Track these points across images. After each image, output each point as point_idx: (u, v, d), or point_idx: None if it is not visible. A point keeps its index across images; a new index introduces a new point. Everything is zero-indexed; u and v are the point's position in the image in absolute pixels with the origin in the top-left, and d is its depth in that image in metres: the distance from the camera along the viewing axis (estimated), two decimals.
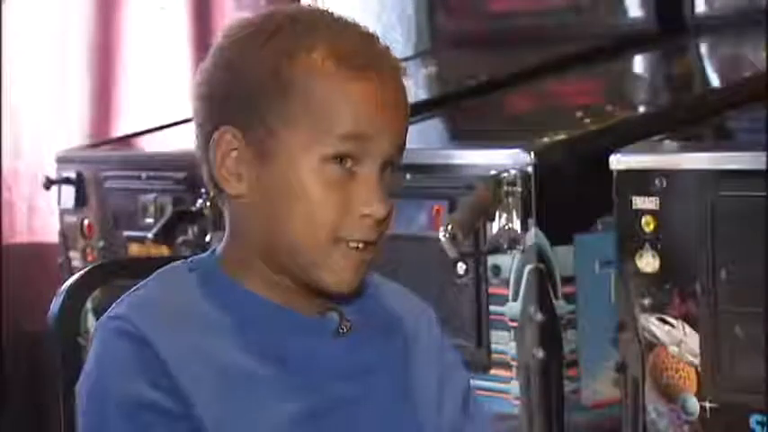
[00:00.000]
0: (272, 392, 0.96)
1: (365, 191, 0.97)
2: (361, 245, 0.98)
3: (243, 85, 0.97)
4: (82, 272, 1.13)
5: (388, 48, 0.99)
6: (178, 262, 1.03)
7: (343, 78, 0.96)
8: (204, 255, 1.04)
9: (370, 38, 1.00)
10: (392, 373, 1.03)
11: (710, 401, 1.58)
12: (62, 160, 2.44)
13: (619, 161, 1.68)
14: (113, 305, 1.00)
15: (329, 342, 1.00)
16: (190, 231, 2.16)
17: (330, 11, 1.01)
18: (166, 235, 2.17)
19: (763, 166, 1.54)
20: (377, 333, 1.03)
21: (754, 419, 1.54)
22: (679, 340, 1.62)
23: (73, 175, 2.38)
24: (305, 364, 0.98)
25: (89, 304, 2.37)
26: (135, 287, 1.01)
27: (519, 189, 1.75)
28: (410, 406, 1.03)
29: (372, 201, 0.97)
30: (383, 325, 1.04)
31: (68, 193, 2.38)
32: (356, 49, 0.97)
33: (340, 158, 0.97)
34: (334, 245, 0.97)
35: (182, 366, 0.95)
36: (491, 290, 1.78)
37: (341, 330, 1.01)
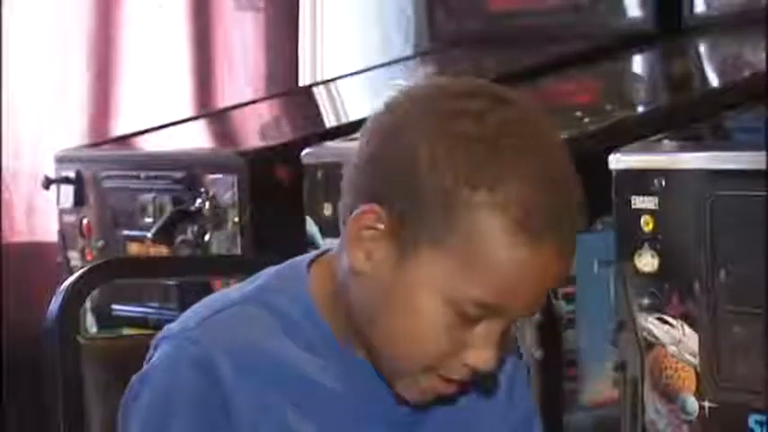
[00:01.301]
0: None
1: (481, 348, 0.88)
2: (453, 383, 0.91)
3: (412, 181, 0.87)
4: (81, 271, 1.13)
5: (577, 197, 0.89)
6: (272, 279, 0.93)
7: (525, 239, 0.85)
8: (299, 274, 0.94)
9: (565, 184, 0.88)
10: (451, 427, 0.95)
11: (709, 401, 1.58)
12: (61, 160, 2.44)
13: (618, 161, 1.68)
14: (193, 313, 0.93)
15: (395, 410, 0.93)
16: (189, 231, 2.16)
17: (538, 118, 0.89)
18: (165, 234, 2.16)
19: (761, 166, 1.54)
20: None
21: (753, 419, 1.54)
22: (678, 340, 1.62)
23: (72, 174, 2.38)
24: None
25: (88, 304, 2.37)
26: (223, 298, 0.93)
27: None
28: None
29: (484, 360, 0.89)
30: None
31: (67, 192, 2.38)
32: (546, 203, 0.86)
33: (473, 311, 0.88)
34: (427, 371, 0.90)
35: (244, 419, 0.89)
36: None
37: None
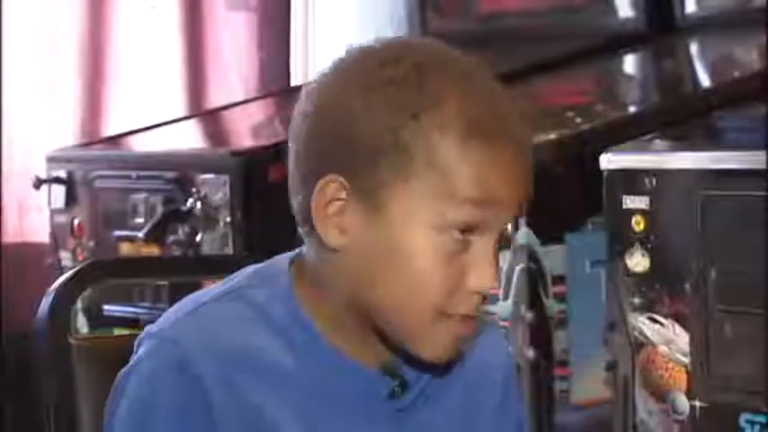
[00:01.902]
0: None
1: (481, 266, 0.89)
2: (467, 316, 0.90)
3: (357, 136, 0.89)
4: (71, 272, 1.12)
5: (516, 107, 0.92)
6: (251, 276, 0.94)
7: (472, 142, 0.88)
8: (279, 271, 0.94)
9: (501, 96, 0.91)
10: None
11: (700, 400, 1.59)
12: (52, 160, 2.43)
13: (609, 161, 1.68)
14: (171, 313, 0.93)
15: (377, 407, 0.93)
16: (180, 231, 2.16)
17: (457, 54, 0.92)
18: (157, 235, 2.16)
19: (752, 166, 1.55)
20: (435, 393, 0.96)
21: (743, 418, 1.54)
22: (669, 339, 1.62)
23: (63, 174, 2.38)
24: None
25: (79, 304, 2.37)
26: (200, 297, 0.93)
27: None
28: None
29: (487, 278, 0.89)
30: (440, 383, 0.96)
31: (59, 192, 2.38)
32: (487, 109, 0.89)
33: (460, 229, 0.89)
34: (438, 319, 0.90)
35: (225, 414, 0.89)
36: None
37: (395, 390, 0.94)
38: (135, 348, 0.94)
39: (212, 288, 0.95)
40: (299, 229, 0.95)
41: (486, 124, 0.89)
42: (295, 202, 0.94)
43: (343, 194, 0.90)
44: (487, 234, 0.90)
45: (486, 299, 0.92)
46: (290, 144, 0.94)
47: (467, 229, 0.90)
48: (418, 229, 0.89)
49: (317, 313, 0.93)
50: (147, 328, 0.94)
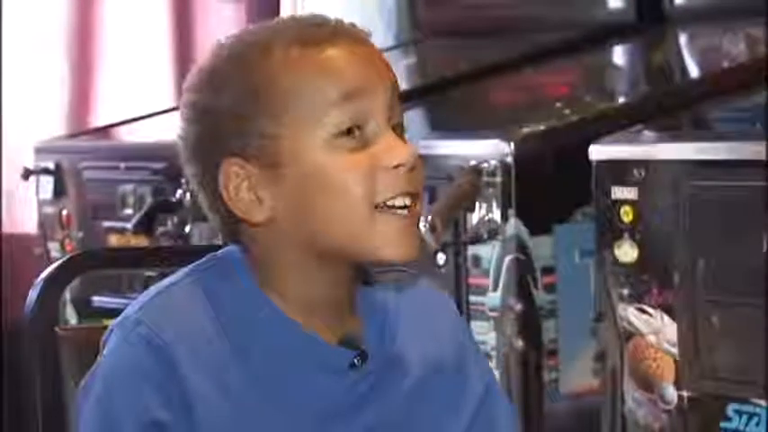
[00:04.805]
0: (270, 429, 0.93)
1: (384, 144, 0.93)
2: (407, 200, 0.94)
3: (223, 111, 0.94)
4: (58, 262, 1.12)
5: (341, 20, 0.97)
6: (209, 262, 0.97)
7: (316, 52, 0.94)
8: (232, 256, 0.97)
9: (321, 16, 0.97)
10: (398, 411, 0.97)
11: (688, 390, 1.59)
12: (40, 150, 2.43)
13: (598, 152, 1.69)
14: (133, 303, 0.95)
15: (339, 380, 0.95)
16: (169, 222, 2.15)
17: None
18: (146, 226, 2.16)
19: (741, 156, 1.55)
20: (393, 365, 0.98)
21: (731, 408, 1.55)
22: (657, 330, 1.62)
23: (51, 165, 2.37)
24: (307, 404, 0.94)
25: (68, 296, 2.36)
26: (163, 284, 0.96)
27: (498, 179, 1.75)
28: None
29: (395, 148, 0.93)
30: (399, 355, 0.98)
31: (47, 183, 2.37)
32: (315, 26, 0.96)
33: (347, 130, 0.93)
34: (378, 213, 0.93)
35: (197, 387, 0.92)
36: (471, 280, 1.78)
37: (356, 362, 0.96)
38: (102, 345, 0.96)
39: (172, 276, 0.98)
40: (221, 231, 0.98)
41: (320, 34, 0.95)
42: (206, 204, 0.98)
43: (243, 171, 0.94)
44: (375, 122, 0.94)
45: (419, 178, 0.95)
46: (181, 154, 0.98)
47: (353, 128, 0.94)
48: (316, 150, 0.93)
49: (274, 293, 0.96)
50: (112, 323, 0.96)
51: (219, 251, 0.99)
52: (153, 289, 0.97)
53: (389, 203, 0.94)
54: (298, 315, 0.95)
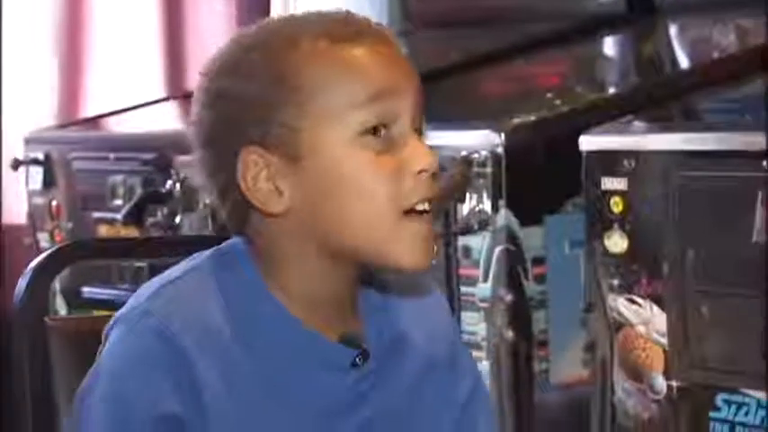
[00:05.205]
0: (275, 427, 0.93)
1: (410, 147, 0.92)
2: (427, 206, 0.93)
3: (245, 98, 0.93)
4: (47, 252, 1.12)
5: (368, 18, 0.97)
6: (213, 256, 0.96)
7: (344, 48, 0.93)
8: (236, 248, 0.96)
9: (348, 12, 0.97)
10: (398, 408, 0.97)
11: (677, 380, 1.60)
12: (30, 141, 2.42)
13: (588, 142, 1.69)
14: (137, 295, 0.94)
15: (341, 378, 0.95)
16: (159, 213, 2.15)
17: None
18: (136, 216, 2.15)
19: (731, 147, 1.55)
20: (393, 364, 0.98)
21: (720, 398, 1.55)
22: (647, 320, 1.63)
23: (41, 155, 2.37)
24: (310, 401, 0.94)
25: (57, 286, 2.35)
26: (167, 276, 0.95)
27: (489, 170, 1.75)
28: None
29: (421, 154, 0.92)
30: (398, 354, 0.98)
31: (36, 173, 2.37)
32: (342, 22, 0.95)
33: (373, 129, 0.92)
34: (402, 221, 0.92)
35: (205, 375, 0.91)
36: (461, 271, 1.78)
37: (357, 361, 0.95)
38: (105, 336, 0.94)
39: (175, 268, 0.96)
40: (228, 221, 0.96)
41: (344, 30, 0.94)
42: (216, 192, 0.96)
43: (263, 160, 0.93)
44: (401, 123, 0.93)
45: (436, 186, 0.94)
46: (194, 140, 0.97)
47: (379, 127, 0.93)
48: (341, 147, 0.92)
49: (277, 288, 0.95)
50: (116, 314, 0.94)
51: (223, 243, 0.97)
52: (155, 281, 0.95)
53: (418, 208, 0.93)
54: (300, 311, 0.94)
